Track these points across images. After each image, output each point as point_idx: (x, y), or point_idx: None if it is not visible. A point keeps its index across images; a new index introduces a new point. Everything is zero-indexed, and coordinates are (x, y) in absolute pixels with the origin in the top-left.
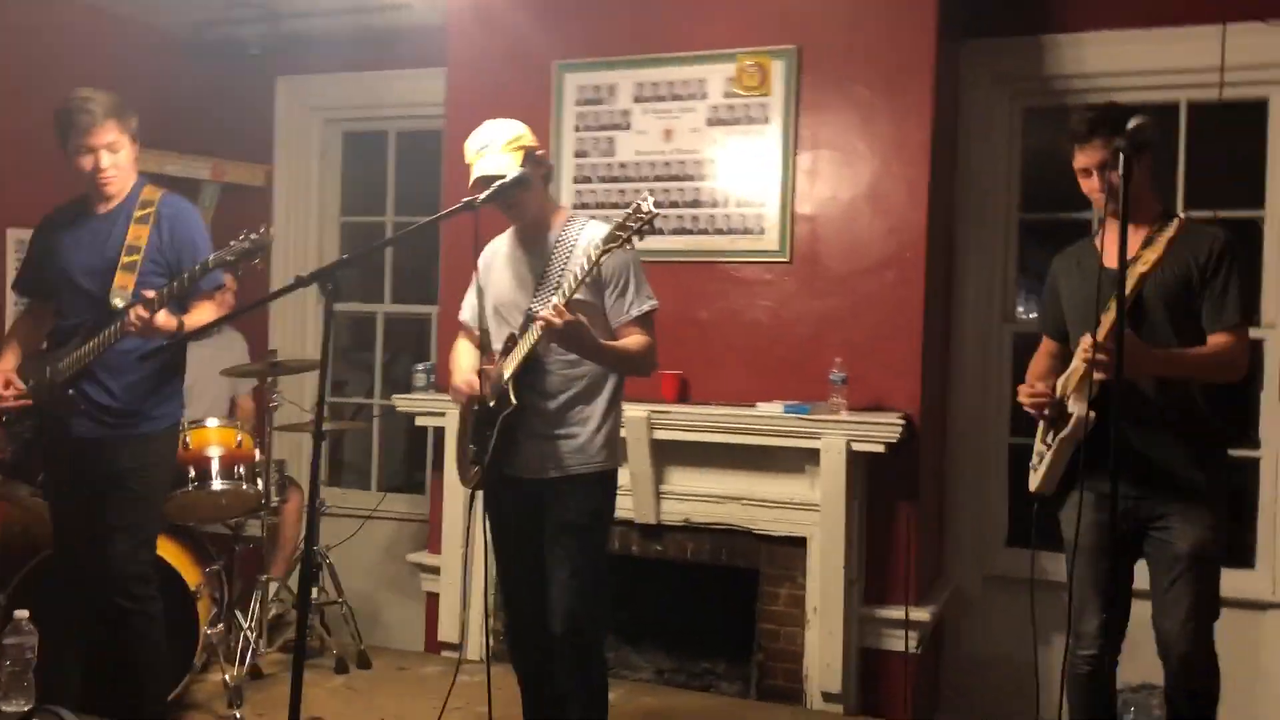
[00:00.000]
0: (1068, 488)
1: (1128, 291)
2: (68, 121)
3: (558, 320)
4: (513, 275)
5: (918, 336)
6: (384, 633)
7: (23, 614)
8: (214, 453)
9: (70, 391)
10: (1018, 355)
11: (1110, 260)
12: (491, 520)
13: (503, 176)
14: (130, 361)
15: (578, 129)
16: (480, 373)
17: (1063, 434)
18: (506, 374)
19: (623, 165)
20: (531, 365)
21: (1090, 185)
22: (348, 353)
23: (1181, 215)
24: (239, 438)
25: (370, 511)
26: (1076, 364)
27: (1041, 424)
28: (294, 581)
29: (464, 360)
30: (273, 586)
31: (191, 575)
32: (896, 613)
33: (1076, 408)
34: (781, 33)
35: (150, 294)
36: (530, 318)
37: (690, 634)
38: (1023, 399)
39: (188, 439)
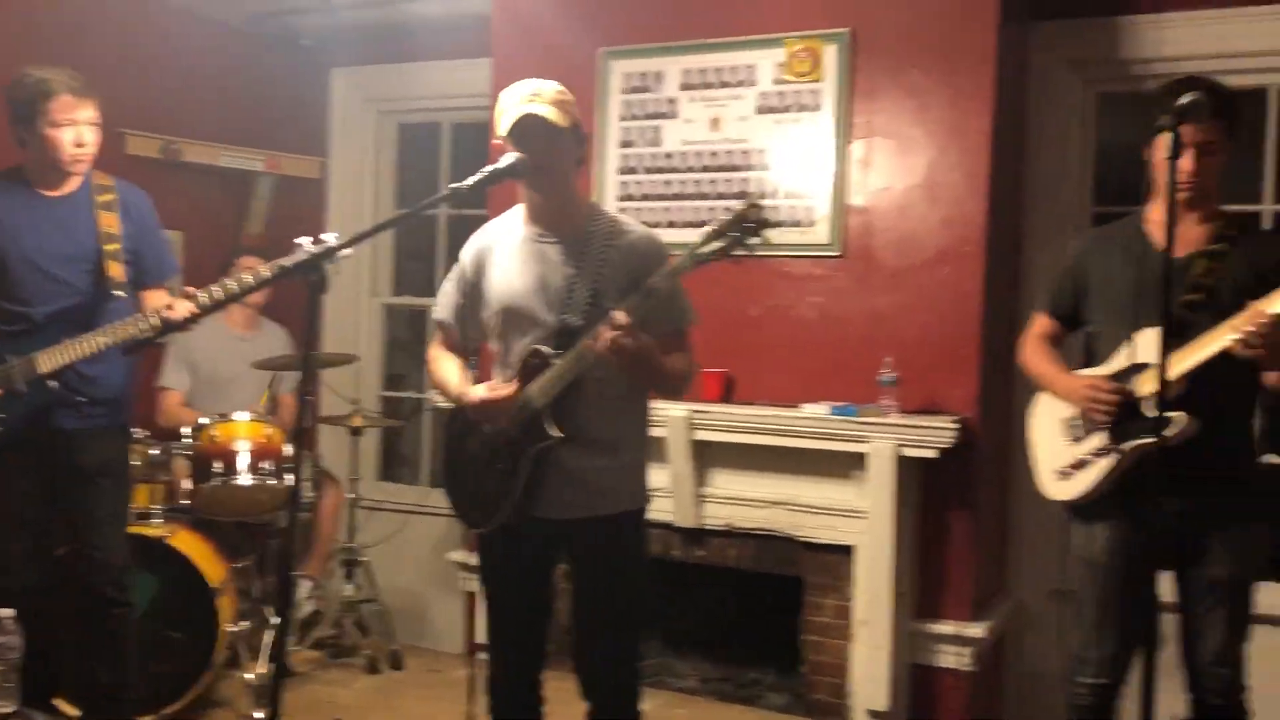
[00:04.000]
0: (1103, 498)
1: (1198, 279)
2: (45, 92)
3: (629, 343)
4: (530, 276)
5: (976, 335)
6: (430, 632)
7: (7, 613)
8: (241, 446)
9: (52, 383)
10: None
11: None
12: (494, 563)
13: (538, 118)
14: (113, 351)
15: (623, 118)
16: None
17: (1148, 440)
18: (541, 400)
19: (669, 155)
20: (572, 390)
21: (1179, 165)
22: (405, 346)
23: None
24: (268, 432)
25: (413, 507)
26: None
27: (1082, 427)
28: (331, 579)
29: (450, 370)
30: (306, 584)
31: (214, 571)
32: (951, 628)
33: (1177, 415)
34: (833, 16)
35: (193, 290)
36: (563, 332)
37: (738, 642)
38: (1095, 395)
39: (215, 433)
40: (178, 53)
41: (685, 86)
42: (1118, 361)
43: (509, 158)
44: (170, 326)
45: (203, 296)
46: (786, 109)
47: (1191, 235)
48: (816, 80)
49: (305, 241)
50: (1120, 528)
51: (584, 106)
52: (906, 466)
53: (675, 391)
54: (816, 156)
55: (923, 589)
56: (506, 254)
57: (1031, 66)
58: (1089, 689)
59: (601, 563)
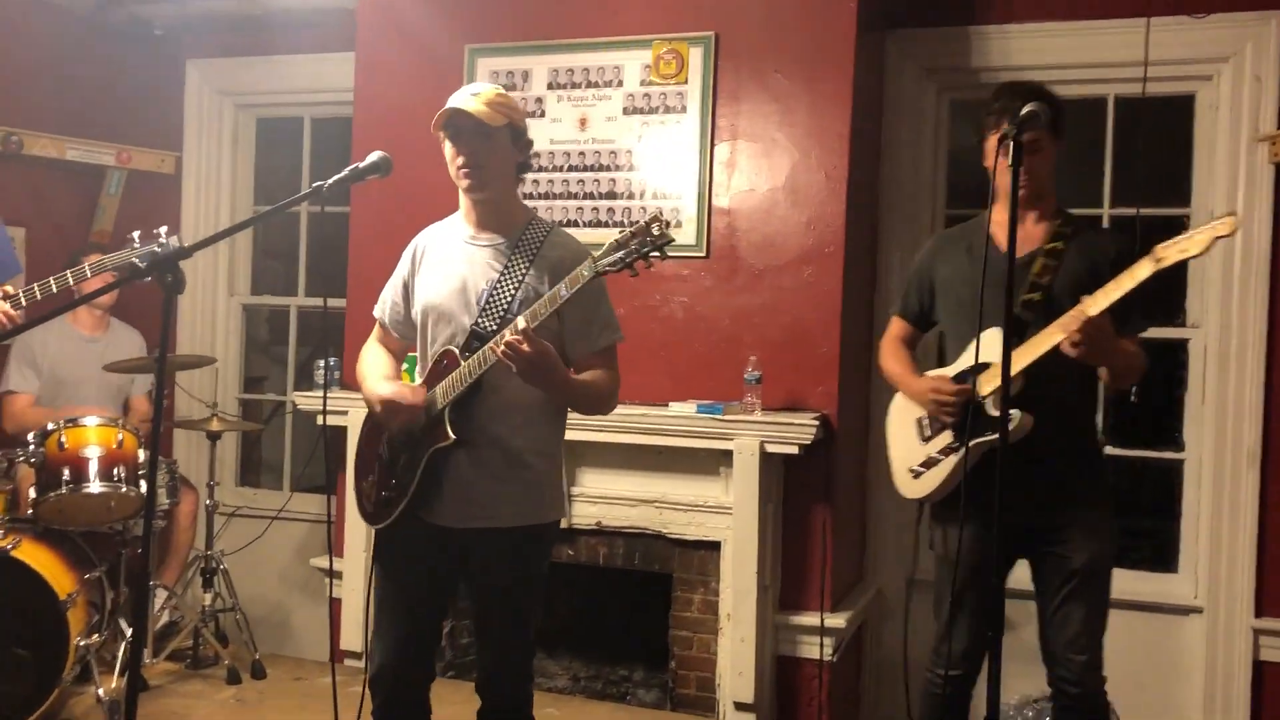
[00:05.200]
0: (953, 497)
1: (1035, 279)
2: None
3: (526, 348)
4: (454, 277)
5: (836, 334)
6: (293, 639)
7: None
8: (92, 453)
9: None
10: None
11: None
12: (388, 562)
13: (469, 115)
14: None
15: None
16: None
17: (982, 438)
18: (441, 401)
19: (536, 155)
20: (474, 393)
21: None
22: (268, 348)
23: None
24: (119, 436)
25: (276, 513)
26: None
27: (930, 425)
28: (188, 587)
29: (373, 366)
30: (161, 593)
31: (64, 582)
32: (813, 619)
33: (1014, 412)
34: (699, 19)
35: (8, 288)
36: (476, 334)
37: (608, 640)
38: (938, 398)
39: (63, 439)
40: (20, 40)
41: (552, 86)
42: (962, 361)
43: (373, 156)
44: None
45: (21, 296)
46: (653, 110)
47: (1032, 234)
48: (682, 82)
49: (135, 236)
50: (973, 525)
51: None
52: (770, 462)
53: (592, 408)
54: (682, 158)
55: (786, 582)
56: (438, 253)
57: (887, 73)
58: (945, 679)
59: (492, 575)
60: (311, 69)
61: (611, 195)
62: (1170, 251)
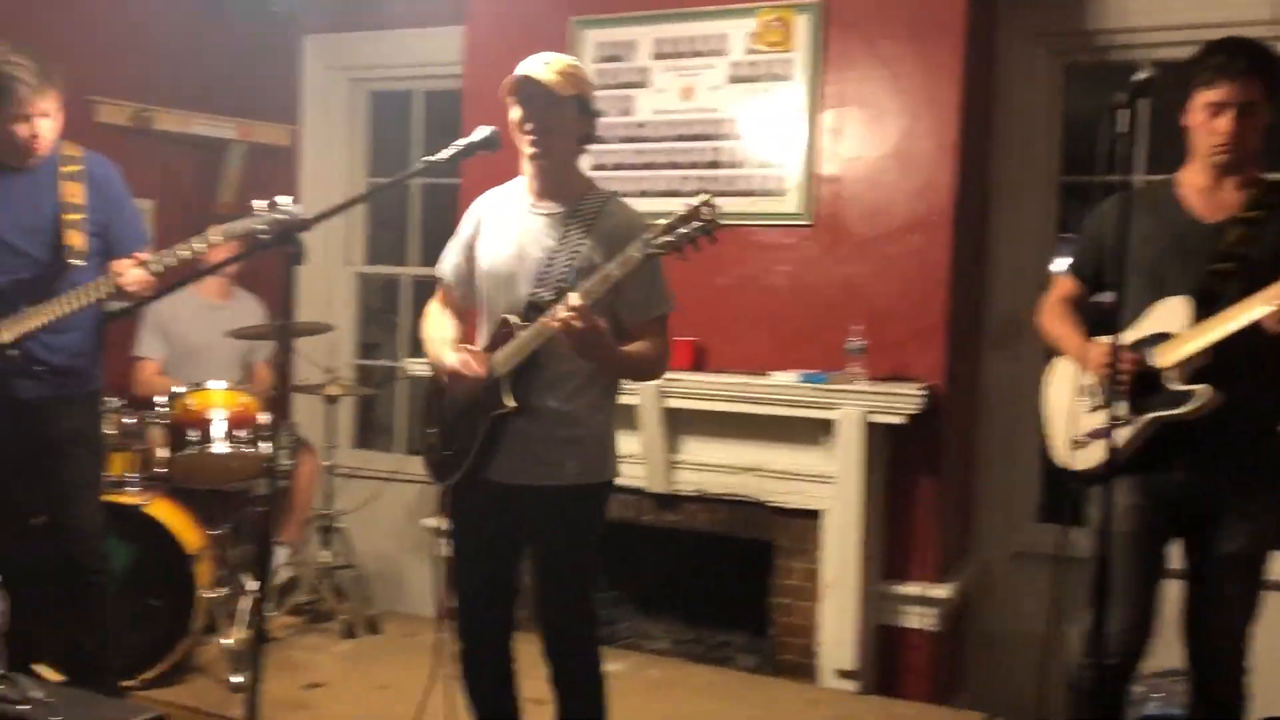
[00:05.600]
0: (1119, 469)
1: (1230, 248)
2: (2, 87)
3: (580, 324)
4: (512, 244)
5: (943, 303)
6: (406, 597)
7: None
8: (216, 414)
9: (13, 352)
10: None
11: (1203, 213)
12: (459, 518)
13: (538, 82)
14: (80, 319)
15: (596, 87)
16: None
17: (1168, 412)
18: (501, 369)
19: (641, 125)
20: (532, 362)
21: (1219, 125)
22: (379, 315)
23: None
24: (244, 400)
25: (389, 474)
26: (1184, 332)
27: (1100, 394)
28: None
29: (437, 329)
30: (283, 550)
31: (191, 538)
32: (917, 589)
33: (1202, 387)
34: None
35: (144, 256)
36: (534, 305)
37: (709, 605)
38: (1119, 366)
39: (190, 401)
40: (148, 19)
41: (657, 56)
42: (1141, 328)
43: (482, 130)
44: (124, 293)
45: (154, 264)
46: (758, 78)
47: (1228, 201)
48: (788, 50)
49: (261, 205)
50: (1136, 499)
51: None
52: (874, 433)
53: (641, 377)
54: (787, 126)
55: (889, 551)
56: (500, 220)
57: (999, 38)
58: (1109, 668)
59: (548, 532)
60: (421, 43)
61: (715, 165)
62: None
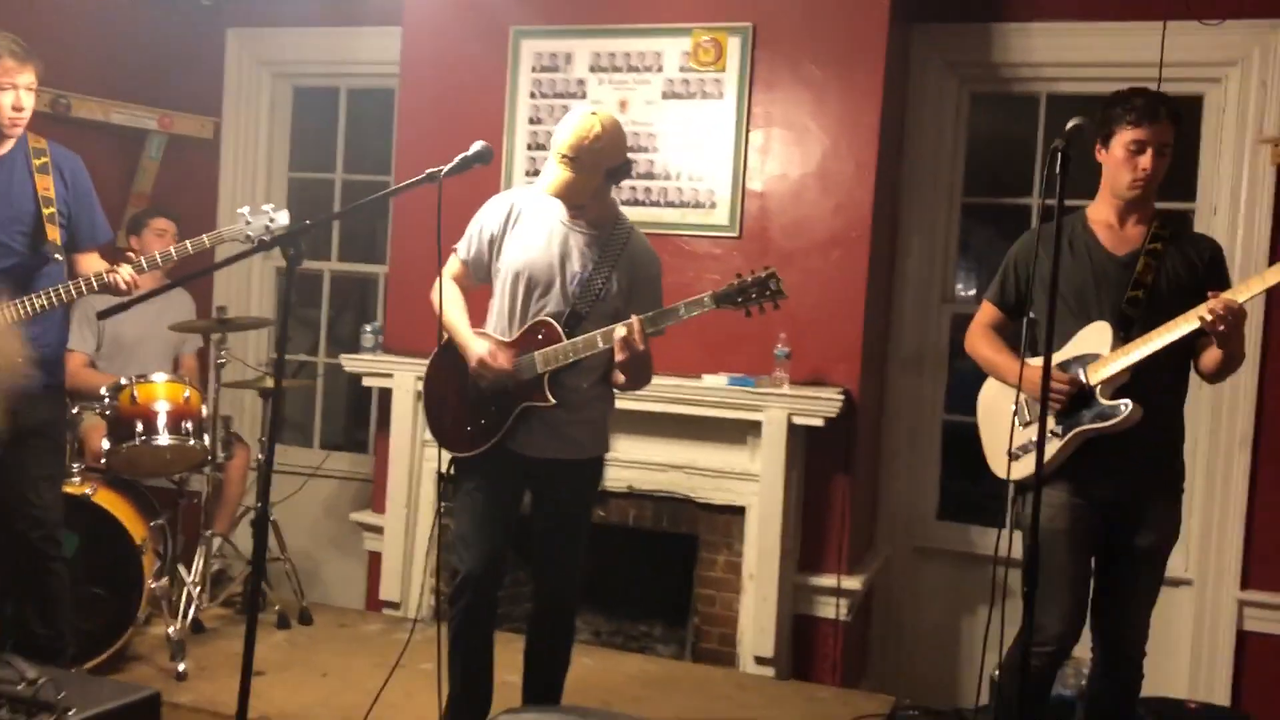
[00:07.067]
0: (1050, 477)
1: (1139, 277)
2: None
3: (640, 346)
4: (552, 252)
5: (860, 314)
6: (323, 590)
7: None
8: (161, 408)
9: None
10: (955, 335)
11: (1114, 247)
12: (472, 484)
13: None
14: (52, 314)
15: (533, 95)
16: (494, 343)
17: (1099, 425)
18: (543, 367)
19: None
20: (573, 365)
21: (1141, 162)
22: (293, 309)
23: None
24: (186, 393)
25: (314, 469)
26: (1109, 354)
27: (1031, 410)
28: (237, 537)
29: (458, 310)
30: (215, 542)
31: (137, 529)
32: (829, 581)
33: (1124, 401)
34: (738, 9)
35: (135, 255)
36: (575, 314)
37: (629, 598)
38: (1055, 386)
39: (135, 393)
40: (71, 3)
41: (594, 69)
42: (1068, 351)
43: (477, 145)
44: (113, 289)
45: (144, 262)
46: (691, 96)
47: (1132, 235)
48: (720, 70)
49: (245, 211)
50: (1072, 500)
51: (495, 81)
52: (795, 434)
53: (644, 385)
54: (718, 142)
55: (805, 545)
56: (535, 222)
57: (912, 65)
58: (1041, 655)
59: (564, 496)
60: (348, 41)
61: (649, 175)
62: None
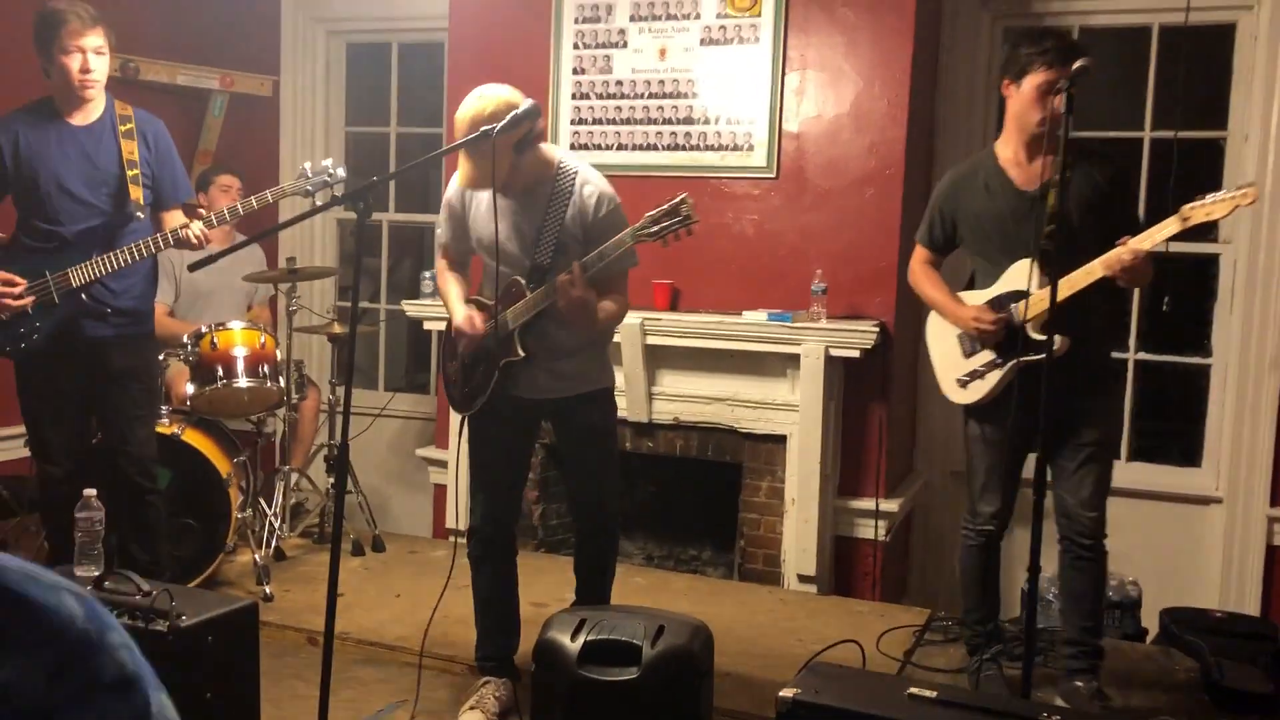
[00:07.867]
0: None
1: (1052, 211)
2: (57, 21)
3: (577, 293)
4: (507, 224)
5: (894, 249)
6: (393, 521)
7: (90, 491)
8: (239, 353)
9: (83, 295)
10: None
11: (1024, 184)
12: (481, 435)
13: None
14: (140, 267)
15: (576, 46)
16: (474, 305)
17: (1026, 358)
18: (513, 323)
19: (619, 83)
20: (540, 317)
21: (1051, 103)
22: (353, 258)
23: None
24: (262, 339)
25: (380, 410)
26: (1036, 290)
27: (971, 343)
28: (311, 472)
29: (450, 285)
30: (293, 477)
31: (222, 465)
32: (868, 504)
33: (1056, 337)
34: None
35: (205, 212)
36: (537, 268)
37: (678, 524)
38: (981, 326)
39: (215, 340)
40: None
41: (634, 18)
42: (996, 288)
43: (526, 103)
44: (186, 243)
45: (214, 218)
46: (728, 41)
47: (1039, 168)
48: (756, 15)
49: (306, 167)
50: (1006, 419)
51: (539, 34)
52: (833, 365)
53: (608, 332)
54: (755, 86)
55: (844, 471)
56: (482, 204)
57: (945, 1)
58: (979, 534)
59: (578, 424)
60: None
61: (688, 120)
62: (1196, 213)
